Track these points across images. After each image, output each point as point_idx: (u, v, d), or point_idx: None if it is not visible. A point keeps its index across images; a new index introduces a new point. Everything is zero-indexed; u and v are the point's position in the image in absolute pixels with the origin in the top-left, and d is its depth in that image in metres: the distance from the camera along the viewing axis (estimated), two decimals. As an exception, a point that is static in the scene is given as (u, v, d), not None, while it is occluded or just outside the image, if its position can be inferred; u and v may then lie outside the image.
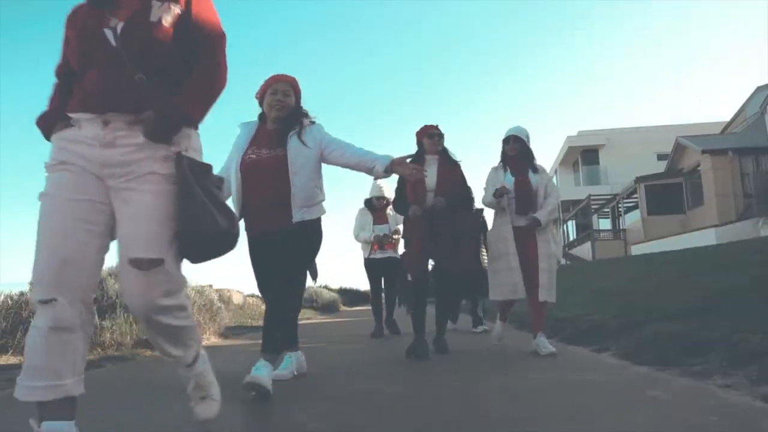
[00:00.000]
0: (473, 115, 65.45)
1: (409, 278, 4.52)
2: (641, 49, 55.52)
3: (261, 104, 2.92)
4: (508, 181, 3.92)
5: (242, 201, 2.75)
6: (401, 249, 5.30)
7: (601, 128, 27.31)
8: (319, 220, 2.81)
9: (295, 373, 3.06)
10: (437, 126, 4.14)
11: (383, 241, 5.89)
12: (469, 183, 4.18)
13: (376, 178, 2.82)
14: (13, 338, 4.00)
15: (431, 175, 3.84)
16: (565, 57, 54.82)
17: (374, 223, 5.94)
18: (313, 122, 2.88)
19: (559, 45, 55.74)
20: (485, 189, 4.09)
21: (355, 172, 2.75)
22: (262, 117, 2.94)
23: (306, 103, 2.95)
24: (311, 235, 2.78)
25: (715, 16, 51.83)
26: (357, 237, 6.07)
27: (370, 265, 6.03)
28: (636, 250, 18.16)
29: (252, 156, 2.74)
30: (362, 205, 6.10)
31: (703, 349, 2.90)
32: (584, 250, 23.56)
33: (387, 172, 2.65)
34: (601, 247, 21.74)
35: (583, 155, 26.88)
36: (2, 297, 4.53)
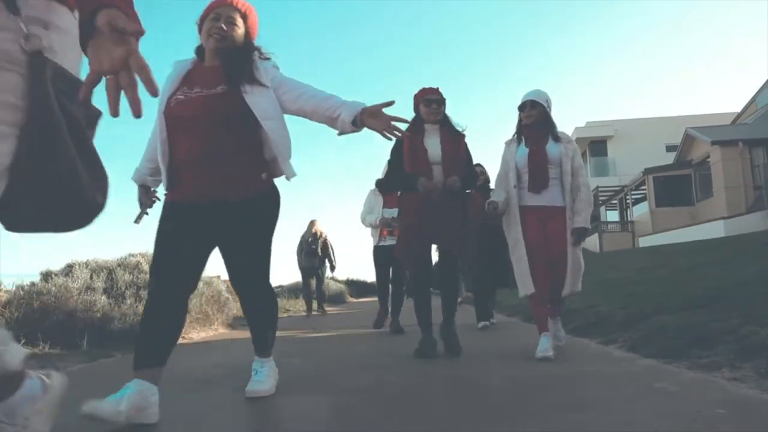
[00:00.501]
0: (477, 113, 65.06)
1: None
2: (651, 40, 54.92)
3: (200, 33, 2.23)
4: (522, 154, 3.34)
5: (168, 158, 2.07)
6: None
7: (610, 119, 27.11)
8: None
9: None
10: (437, 89, 3.51)
11: (392, 225, 5.25)
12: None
13: (340, 133, 2.10)
14: (25, 328, 4.04)
15: (433, 146, 3.37)
16: (574, 47, 54.33)
17: (384, 207, 5.42)
18: (268, 59, 2.24)
19: (567, 35, 55.21)
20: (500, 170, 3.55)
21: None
22: (199, 51, 2.24)
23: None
24: (276, 204, 2.24)
25: (726, 7, 51.10)
26: (363, 221, 5.61)
27: (378, 253, 5.60)
28: (644, 242, 18.09)
29: (180, 97, 2.07)
30: (373, 186, 5.67)
31: (710, 342, 2.90)
32: (592, 242, 23.45)
33: (356, 125, 2.04)
34: (608, 239, 21.66)
35: (592, 146, 26.69)
36: (14, 287, 4.59)
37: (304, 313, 9.11)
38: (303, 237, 8.73)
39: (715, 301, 3.97)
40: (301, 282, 9.34)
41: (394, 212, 4.81)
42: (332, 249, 8.80)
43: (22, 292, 4.44)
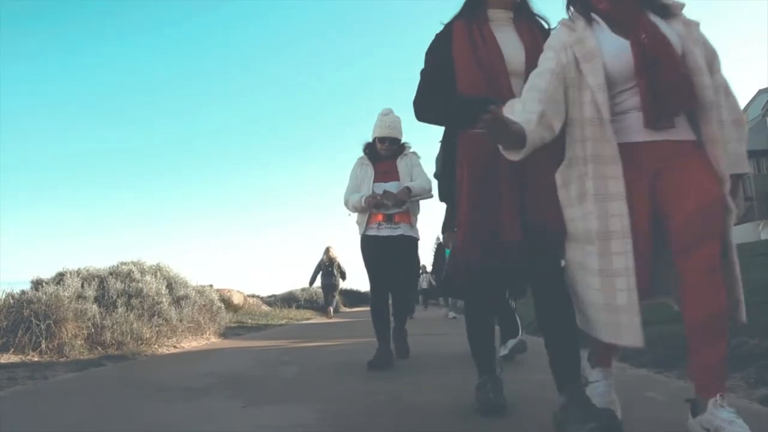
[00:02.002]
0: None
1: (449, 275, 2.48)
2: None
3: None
4: (615, 46, 1.64)
5: None
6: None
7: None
8: None
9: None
10: None
11: (392, 202, 3.44)
12: None
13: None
14: (14, 337, 4.01)
15: (512, 44, 1.92)
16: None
17: (375, 181, 3.58)
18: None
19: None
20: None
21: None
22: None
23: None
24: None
25: (716, 17, 51.80)
26: (347, 203, 3.68)
27: (368, 246, 3.60)
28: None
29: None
30: (361, 154, 3.80)
31: (701, 352, 2.90)
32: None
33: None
34: (601, 249, 21.69)
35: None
36: (4, 295, 4.55)
37: (308, 318, 11.62)
38: (321, 261, 11.18)
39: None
40: (322, 294, 12.78)
41: (392, 186, 3.48)
42: (343, 268, 11.35)
43: (12, 300, 4.40)
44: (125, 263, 5.86)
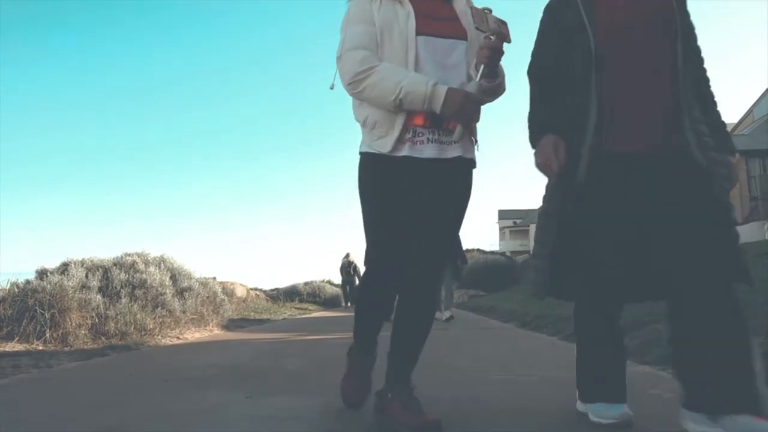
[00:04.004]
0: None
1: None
2: (650, 49, 55.11)
3: None
4: None
5: None
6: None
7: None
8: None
9: None
10: None
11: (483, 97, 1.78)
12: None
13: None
14: (19, 326, 4.03)
15: None
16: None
17: (422, 33, 1.72)
18: None
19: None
20: None
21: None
22: None
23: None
24: None
25: (722, 17, 51.43)
26: (355, 79, 1.69)
27: (392, 178, 1.73)
28: (640, 250, 18.09)
29: None
30: None
31: (706, 350, 2.89)
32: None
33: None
34: (605, 247, 21.65)
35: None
36: (8, 285, 4.57)
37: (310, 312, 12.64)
38: (343, 263, 14.20)
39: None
40: (341, 289, 15.67)
41: (458, 53, 1.78)
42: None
43: (17, 290, 4.42)
44: (129, 254, 5.88)
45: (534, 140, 1.78)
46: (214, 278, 8.76)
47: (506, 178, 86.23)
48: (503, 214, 50.65)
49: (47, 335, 3.97)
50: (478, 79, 1.69)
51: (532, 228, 41.86)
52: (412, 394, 1.76)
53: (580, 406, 1.87)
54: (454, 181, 1.79)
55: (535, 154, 1.76)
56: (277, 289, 16.61)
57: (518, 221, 48.88)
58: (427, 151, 1.72)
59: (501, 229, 50.45)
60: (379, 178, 1.75)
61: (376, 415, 1.83)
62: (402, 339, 1.82)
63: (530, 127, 1.82)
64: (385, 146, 1.71)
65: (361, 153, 1.81)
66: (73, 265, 5.15)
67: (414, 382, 1.82)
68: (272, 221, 77.59)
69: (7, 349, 3.71)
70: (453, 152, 1.75)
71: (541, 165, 1.73)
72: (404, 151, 1.72)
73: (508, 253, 31.12)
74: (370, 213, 1.80)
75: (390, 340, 1.84)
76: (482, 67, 1.67)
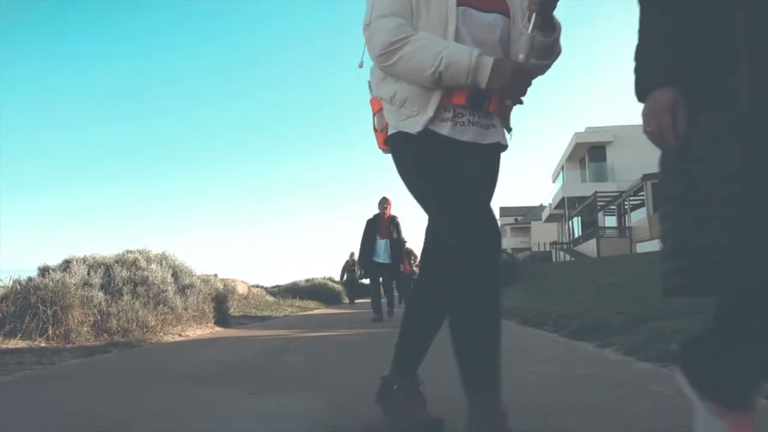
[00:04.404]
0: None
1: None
2: (651, 46, 55.09)
3: None
4: None
5: None
6: None
7: (609, 125, 27.15)
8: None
9: None
10: None
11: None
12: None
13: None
14: (21, 323, 4.04)
15: None
16: (574, 53, 54.49)
17: (464, 2, 1.59)
18: None
19: (567, 40, 55.37)
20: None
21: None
22: None
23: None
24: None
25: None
26: (387, 50, 1.49)
27: (437, 154, 1.56)
28: (641, 248, 18.12)
29: None
30: None
31: (707, 347, 2.90)
32: (589, 247, 23.51)
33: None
34: (606, 244, 21.71)
35: (590, 152, 26.76)
36: (11, 282, 4.59)
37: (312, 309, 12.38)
38: (347, 262, 15.09)
39: (711, 307, 3.98)
40: (346, 287, 16.83)
41: (495, 24, 1.59)
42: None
43: (19, 287, 4.43)
44: (131, 251, 5.89)
45: (642, 92, 1.25)
46: (216, 275, 8.78)
47: (507, 175, 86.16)
48: (504, 212, 50.66)
49: (50, 332, 3.98)
50: (530, 30, 1.44)
51: (533, 225, 41.95)
52: (418, 388, 1.76)
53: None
54: (489, 167, 1.66)
55: (644, 116, 1.24)
56: (278, 286, 16.68)
57: (519, 218, 48.94)
58: (468, 134, 1.55)
59: (502, 226, 50.47)
60: (424, 150, 1.53)
61: (377, 401, 1.83)
62: (475, 341, 1.59)
63: (638, 68, 1.26)
64: (414, 126, 1.51)
65: (390, 135, 1.62)
66: (75, 262, 5.17)
67: (421, 378, 1.83)
68: (273, 218, 77.57)
69: (9, 346, 3.73)
70: (492, 138, 1.61)
71: (654, 135, 1.26)
72: (445, 130, 1.52)
73: (510, 251, 31.15)
74: (425, 185, 1.57)
75: (455, 352, 1.65)
76: (534, 15, 1.42)
